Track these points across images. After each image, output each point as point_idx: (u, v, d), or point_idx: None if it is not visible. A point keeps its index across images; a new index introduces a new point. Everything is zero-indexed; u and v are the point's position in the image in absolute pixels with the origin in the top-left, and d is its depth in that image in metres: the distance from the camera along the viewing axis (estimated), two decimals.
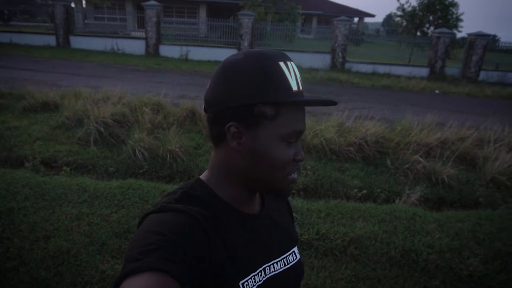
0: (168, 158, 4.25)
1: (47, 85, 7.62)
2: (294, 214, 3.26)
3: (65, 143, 4.66)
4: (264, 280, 0.73)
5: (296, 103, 0.66)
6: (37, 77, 9.12)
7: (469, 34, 14.99)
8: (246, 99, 0.65)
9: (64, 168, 3.99)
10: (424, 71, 14.92)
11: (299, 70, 0.70)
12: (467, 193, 4.19)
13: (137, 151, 4.28)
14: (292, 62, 0.68)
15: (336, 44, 15.01)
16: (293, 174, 0.72)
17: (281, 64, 0.66)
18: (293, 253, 0.84)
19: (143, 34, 15.92)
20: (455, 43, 16.57)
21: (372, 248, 2.84)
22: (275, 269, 0.76)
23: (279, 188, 0.72)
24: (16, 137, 4.73)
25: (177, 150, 4.31)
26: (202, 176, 0.77)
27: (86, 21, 21.22)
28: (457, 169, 4.44)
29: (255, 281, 0.70)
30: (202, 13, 24.74)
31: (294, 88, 0.66)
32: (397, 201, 3.85)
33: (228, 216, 0.72)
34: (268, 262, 0.76)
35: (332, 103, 0.69)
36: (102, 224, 2.89)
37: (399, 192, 4.05)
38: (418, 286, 2.52)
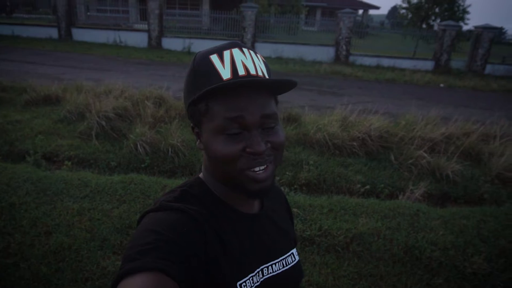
0: (170, 152, 4.23)
1: (49, 78, 7.61)
2: (296, 209, 3.23)
3: (66, 137, 4.64)
4: (261, 281, 0.72)
5: (215, 89, 0.61)
6: (39, 70, 9.10)
7: (475, 27, 14.76)
8: (187, 100, 0.69)
9: (66, 162, 3.98)
10: (429, 64, 14.76)
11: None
12: (472, 189, 4.14)
13: (138, 145, 4.25)
14: (236, 49, 0.65)
15: (340, 37, 14.85)
16: (256, 169, 0.64)
17: (213, 57, 0.64)
18: (292, 255, 0.83)
19: (145, 27, 15.82)
20: (461, 36, 16.33)
21: (375, 245, 2.82)
22: (273, 270, 0.76)
23: (239, 184, 0.66)
24: (18, 131, 4.72)
25: (178, 144, 4.28)
26: (201, 175, 0.77)
27: (88, 13, 21.11)
28: (462, 165, 4.38)
29: (252, 282, 0.70)
30: (205, 5, 24.53)
31: (226, 76, 0.62)
32: (400, 197, 3.81)
33: (226, 216, 0.72)
34: (266, 263, 0.75)
35: (259, 82, 0.62)
36: (104, 219, 2.88)
37: (403, 188, 4.01)
38: (421, 284, 2.49)
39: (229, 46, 0.65)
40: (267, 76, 0.67)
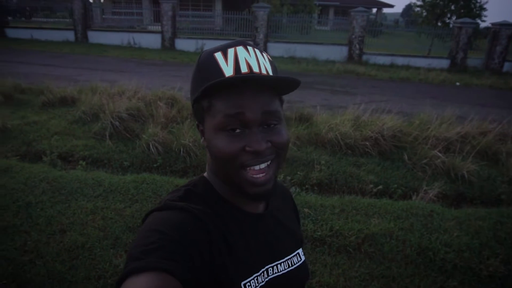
0: (181, 152, 4.26)
1: (66, 80, 7.77)
2: (307, 209, 3.21)
3: (81, 138, 4.73)
4: (266, 281, 0.72)
5: (214, 85, 0.60)
6: (56, 72, 9.31)
7: (493, 24, 14.41)
8: (192, 97, 0.69)
9: (80, 162, 4.06)
10: (444, 63, 14.48)
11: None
12: (488, 189, 4.04)
13: (151, 145, 4.30)
14: (241, 47, 0.65)
15: (353, 36, 14.71)
16: (256, 167, 0.64)
17: (217, 54, 0.64)
18: (297, 255, 0.83)
19: (159, 28, 16.02)
20: (478, 33, 15.97)
21: (387, 246, 2.78)
22: (279, 270, 0.75)
23: (239, 186, 0.66)
24: (35, 131, 4.84)
25: (190, 144, 4.31)
26: (206, 174, 0.77)
27: (103, 16, 21.50)
28: (478, 165, 4.28)
29: (257, 282, 0.70)
30: (218, 6, 24.66)
31: (228, 73, 0.62)
32: (414, 197, 3.74)
33: (230, 215, 0.71)
34: (272, 263, 0.75)
35: (255, 78, 0.60)
36: (116, 218, 2.92)
37: (416, 188, 3.94)
38: (434, 286, 2.44)
39: (234, 44, 0.65)
40: (271, 75, 0.66)
